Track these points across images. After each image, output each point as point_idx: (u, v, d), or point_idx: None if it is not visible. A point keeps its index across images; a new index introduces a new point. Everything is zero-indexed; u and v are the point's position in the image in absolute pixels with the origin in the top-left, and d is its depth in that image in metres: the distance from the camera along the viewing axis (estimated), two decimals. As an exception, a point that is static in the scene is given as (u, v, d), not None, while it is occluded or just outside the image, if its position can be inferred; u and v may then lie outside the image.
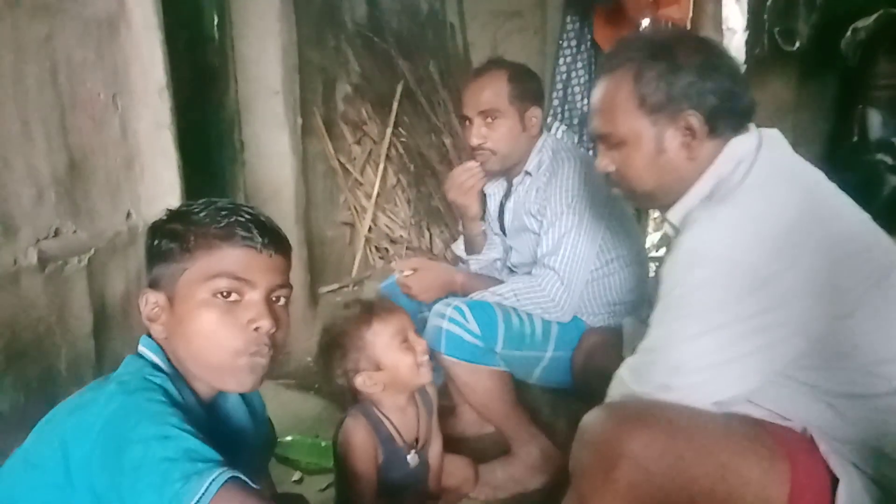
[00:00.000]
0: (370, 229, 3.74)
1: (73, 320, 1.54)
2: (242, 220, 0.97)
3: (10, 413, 1.33)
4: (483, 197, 2.07)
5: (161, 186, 1.87)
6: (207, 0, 2.79)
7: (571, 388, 1.85)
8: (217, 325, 0.93)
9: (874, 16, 3.11)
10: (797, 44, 3.20)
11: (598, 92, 1.21)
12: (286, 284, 1.01)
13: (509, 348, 1.69)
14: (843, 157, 3.32)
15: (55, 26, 1.51)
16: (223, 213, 0.97)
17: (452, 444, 1.79)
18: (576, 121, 2.88)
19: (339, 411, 2.24)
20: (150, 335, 0.99)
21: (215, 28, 2.83)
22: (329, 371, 1.50)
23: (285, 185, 3.06)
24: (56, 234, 1.49)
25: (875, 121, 3.25)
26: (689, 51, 1.14)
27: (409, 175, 3.76)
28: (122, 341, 1.74)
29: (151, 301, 0.97)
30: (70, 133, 1.55)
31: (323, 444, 2.03)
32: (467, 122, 1.86)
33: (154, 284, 0.98)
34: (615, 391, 1.15)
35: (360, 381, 1.45)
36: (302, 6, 3.14)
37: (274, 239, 0.99)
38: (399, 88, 3.61)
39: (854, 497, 1.02)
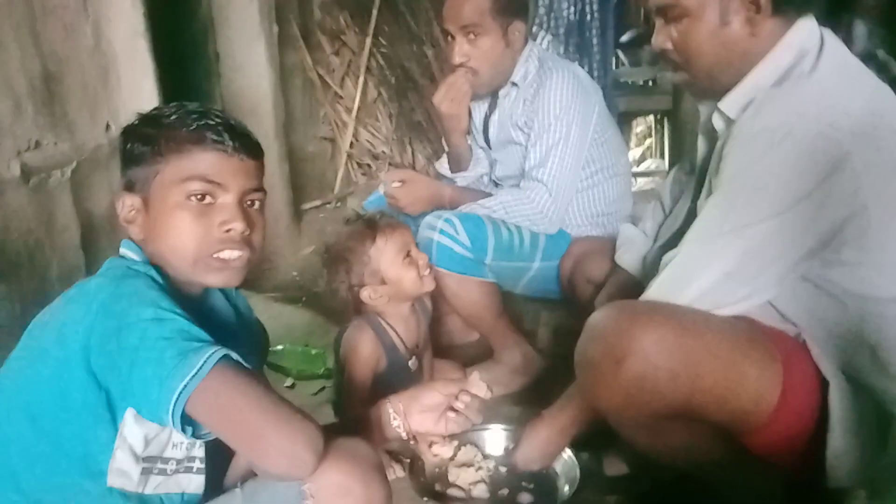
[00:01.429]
0: (351, 144, 3.70)
1: (61, 232, 1.54)
2: (212, 123, 0.97)
3: (7, 322, 1.35)
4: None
5: (138, 97, 1.82)
6: None
7: (556, 296, 1.91)
8: (191, 227, 0.95)
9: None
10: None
11: None
12: (259, 188, 1.02)
13: (498, 259, 1.72)
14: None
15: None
16: (193, 116, 0.97)
17: (440, 351, 1.86)
18: (562, 30, 2.82)
19: (327, 322, 2.32)
20: (130, 238, 1.00)
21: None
22: (334, 285, 1.53)
23: (263, 98, 2.98)
24: (37, 145, 1.46)
25: (860, 31, 3.23)
26: None
27: (390, 88, 3.68)
28: (111, 252, 1.73)
29: (127, 204, 0.99)
30: (43, 42, 1.49)
31: (313, 352, 2.10)
32: (449, 38, 1.81)
33: (129, 187, 0.99)
34: (663, 280, 1.16)
35: (366, 295, 1.50)
36: None
37: (245, 143, 0.99)
38: (378, -4, 3.47)
39: (843, 399, 1.09)
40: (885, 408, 1.11)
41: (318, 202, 3.55)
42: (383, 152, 3.74)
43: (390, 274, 1.51)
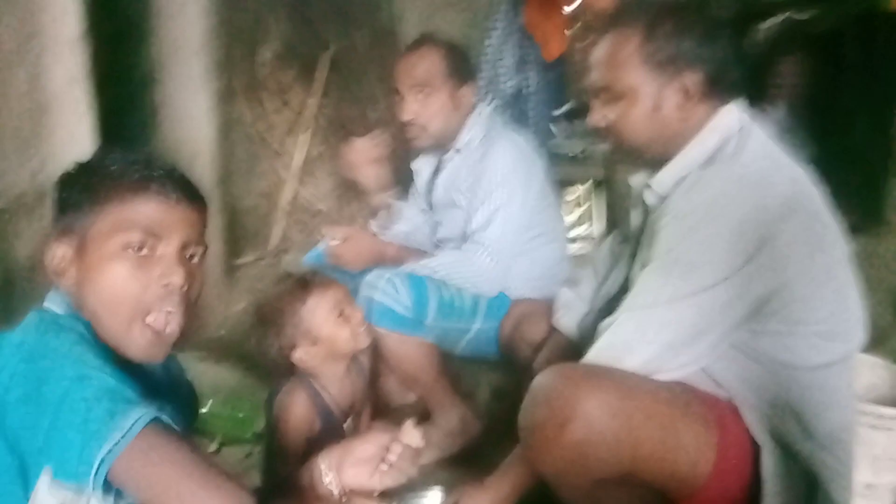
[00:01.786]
0: (290, 201, 3.66)
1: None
2: (156, 172, 0.95)
3: None
4: (409, 172, 2.09)
5: (72, 144, 1.76)
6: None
7: (496, 358, 1.92)
8: (126, 280, 0.90)
9: (780, 18, 3.34)
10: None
11: (602, 46, 1.26)
12: (201, 241, 0.99)
13: (439, 320, 1.73)
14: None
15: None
16: (136, 164, 0.95)
17: (376, 412, 1.82)
18: (502, 103, 2.93)
19: (256, 383, 2.23)
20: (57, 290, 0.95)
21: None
22: (263, 346, 1.48)
23: (203, 150, 2.93)
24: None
25: (776, 116, 3.51)
26: (697, 16, 1.22)
27: (331, 147, 3.70)
28: (28, 305, 1.63)
29: (58, 254, 0.94)
30: (-28, 81, 1.43)
31: (241, 415, 2.01)
32: (398, 96, 1.86)
33: (61, 236, 0.94)
34: (602, 345, 1.19)
35: (298, 356, 1.45)
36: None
37: (189, 192, 0.97)
38: (325, 57, 3.53)
39: (774, 463, 1.13)
40: (812, 471, 1.16)
41: (251, 257, 3.47)
42: (322, 210, 3.72)
43: (323, 333, 1.46)
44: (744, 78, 1.27)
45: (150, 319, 0.92)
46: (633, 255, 1.36)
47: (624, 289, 1.31)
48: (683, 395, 1.15)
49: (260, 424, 1.98)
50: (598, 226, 4.27)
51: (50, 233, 0.97)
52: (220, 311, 2.96)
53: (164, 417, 0.80)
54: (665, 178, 1.24)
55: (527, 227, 1.83)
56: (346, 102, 3.61)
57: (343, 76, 3.58)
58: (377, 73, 3.61)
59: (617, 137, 1.27)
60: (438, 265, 1.77)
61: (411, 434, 1.08)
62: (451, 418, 1.82)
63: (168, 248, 0.93)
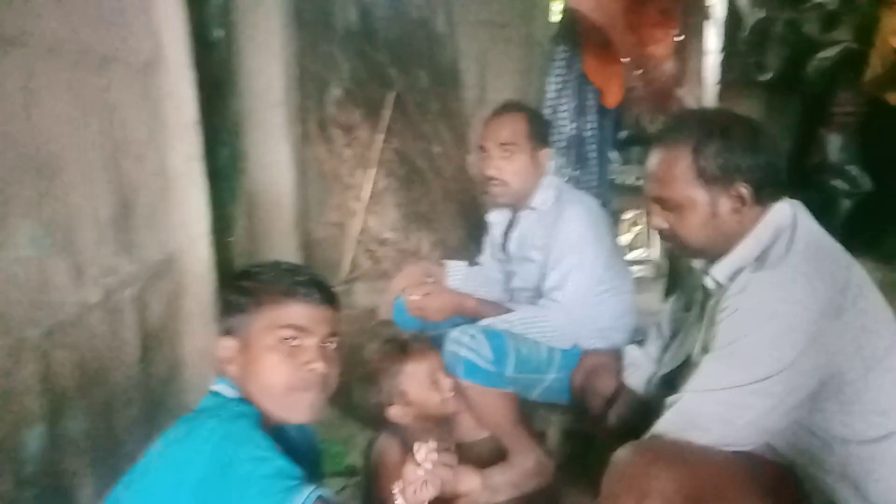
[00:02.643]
0: (360, 231, 3.89)
1: (126, 346, 1.68)
2: (302, 279, 1.18)
3: (80, 436, 1.47)
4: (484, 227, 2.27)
5: (191, 213, 2.00)
6: (213, 13, 2.86)
7: (567, 402, 2.08)
8: (280, 366, 1.13)
9: (838, 48, 3.39)
10: (769, 74, 3.48)
11: (655, 161, 1.40)
12: (336, 332, 1.21)
13: (518, 372, 1.90)
14: (803, 178, 3.63)
15: (112, 77, 1.62)
16: (287, 273, 1.19)
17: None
18: (563, 144, 3.08)
19: (344, 417, 2.43)
20: (223, 376, 1.18)
21: (221, 41, 2.91)
22: (364, 399, 1.70)
23: (285, 194, 3.17)
24: (114, 270, 1.62)
25: (834, 145, 3.56)
26: (741, 130, 1.34)
27: (398, 179, 3.90)
28: (162, 362, 1.88)
29: (226, 346, 1.17)
30: (121, 174, 1.67)
31: (335, 449, 2.21)
32: (484, 153, 2.04)
33: (229, 332, 1.17)
34: (669, 420, 1.34)
35: (393, 413, 1.66)
36: (298, 14, 3.24)
37: (328, 296, 1.21)
38: (390, 96, 3.73)
39: None
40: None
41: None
42: (389, 238, 3.93)
43: (416, 397, 1.69)
44: (787, 177, 1.38)
45: (298, 396, 1.13)
46: (697, 328, 1.50)
47: (686, 363, 1.46)
48: (745, 467, 1.29)
49: (352, 458, 2.19)
50: (654, 249, 4.37)
51: (218, 330, 1.19)
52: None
53: (327, 493, 1.00)
54: (723, 270, 1.37)
55: (597, 282, 1.99)
56: (410, 138, 3.81)
57: (407, 113, 3.77)
58: (439, 108, 3.81)
59: (676, 240, 1.41)
60: (516, 321, 1.94)
61: (422, 452, 1.27)
62: (527, 460, 1.98)
63: (312, 341, 1.16)
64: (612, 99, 3.01)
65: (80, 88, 1.49)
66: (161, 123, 1.89)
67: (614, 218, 3.60)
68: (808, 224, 1.35)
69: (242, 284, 1.19)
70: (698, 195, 1.34)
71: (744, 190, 1.32)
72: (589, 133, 3.09)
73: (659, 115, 3.54)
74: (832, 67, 3.44)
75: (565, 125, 3.07)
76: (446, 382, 1.69)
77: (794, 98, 3.67)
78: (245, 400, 1.15)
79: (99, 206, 1.57)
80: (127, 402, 1.67)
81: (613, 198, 3.65)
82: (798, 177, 3.68)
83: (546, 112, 3.12)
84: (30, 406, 1.29)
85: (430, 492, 1.27)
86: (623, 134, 3.81)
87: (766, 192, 1.34)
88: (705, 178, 1.32)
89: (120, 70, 1.66)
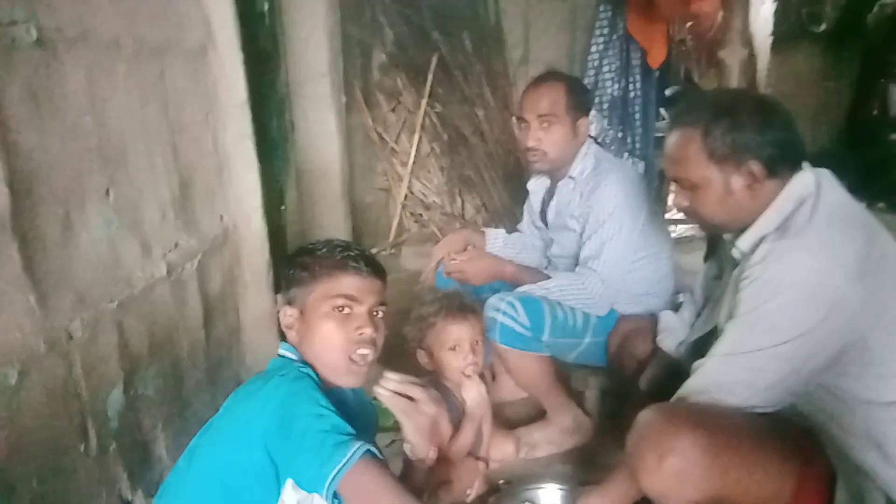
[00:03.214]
0: (406, 196, 3.98)
1: (189, 315, 1.83)
2: (353, 254, 1.31)
3: (153, 396, 1.64)
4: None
5: (245, 189, 2.13)
6: (259, -14, 2.94)
7: (603, 364, 2.15)
8: (334, 331, 1.26)
9: (897, -3, 3.22)
10: (823, 25, 3.33)
11: (670, 143, 1.45)
12: (383, 302, 1.34)
13: (554, 337, 1.97)
14: (862, 132, 3.51)
15: (166, 63, 1.73)
16: (338, 249, 1.32)
17: (493, 408, 2.10)
18: (605, 106, 3.06)
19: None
20: (285, 340, 1.33)
21: (266, 13, 2.99)
22: (410, 343, 1.86)
23: (332, 162, 3.29)
24: (176, 246, 1.76)
25: (895, 96, 3.41)
26: (749, 110, 1.37)
27: (442, 144, 3.96)
28: (223, 328, 2.04)
29: (288, 314, 1.31)
30: (180, 156, 1.79)
31: (383, 406, 2.35)
32: (523, 124, 2.08)
33: (290, 302, 1.32)
34: (694, 383, 1.40)
35: (419, 356, 1.82)
36: (342, -19, 3.28)
37: (375, 269, 1.33)
38: (434, 59, 3.75)
39: (848, 490, 1.31)
40: (892, 496, 1.33)
41: (374, 250, 3.84)
42: (434, 202, 4.02)
43: (437, 353, 1.80)
44: (804, 148, 1.39)
45: (353, 356, 1.26)
46: (724, 296, 1.54)
47: (714, 330, 1.51)
48: (769, 430, 1.34)
49: (399, 415, 2.33)
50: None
51: (281, 301, 1.32)
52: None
53: (374, 450, 1.12)
54: (746, 240, 1.41)
55: (634, 251, 2.02)
56: (454, 101, 3.84)
57: (450, 76, 3.80)
58: (482, 70, 3.81)
59: (697, 217, 1.45)
60: (553, 287, 2.01)
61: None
62: (566, 418, 2.08)
63: (362, 309, 1.28)
64: (657, 58, 2.96)
65: (139, 79, 1.60)
66: (214, 105, 2.01)
67: (661, 177, 3.57)
68: (832, 193, 1.36)
69: (300, 260, 1.32)
70: (711, 174, 1.37)
71: (755, 167, 1.35)
72: (633, 93, 3.06)
73: (709, 69, 3.47)
74: (894, 16, 3.27)
75: (609, 85, 3.05)
76: (472, 356, 1.77)
77: (853, 50, 3.51)
78: (305, 363, 1.28)
79: (161, 188, 1.70)
80: (192, 364, 1.84)
81: (659, 157, 3.61)
82: (857, 131, 3.56)
83: (589, 72, 3.09)
84: (109, 371, 1.46)
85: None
86: (671, 90, 3.75)
87: (781, 167, 1.36)
88: (716, 158, 1.36)
89: (174, 58, 1.77)
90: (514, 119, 2.15)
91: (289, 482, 1.15)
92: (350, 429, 1.13)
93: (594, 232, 1.98)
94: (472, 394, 1.78)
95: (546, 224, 2.25)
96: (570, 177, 2.11)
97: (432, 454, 1.37)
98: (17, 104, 1.19)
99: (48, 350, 1.25)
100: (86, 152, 1.40)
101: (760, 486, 1.31)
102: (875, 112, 3.53)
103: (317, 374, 1.26)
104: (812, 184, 1.37)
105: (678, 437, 1.29)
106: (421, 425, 1.34)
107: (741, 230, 1.43)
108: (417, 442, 1.35)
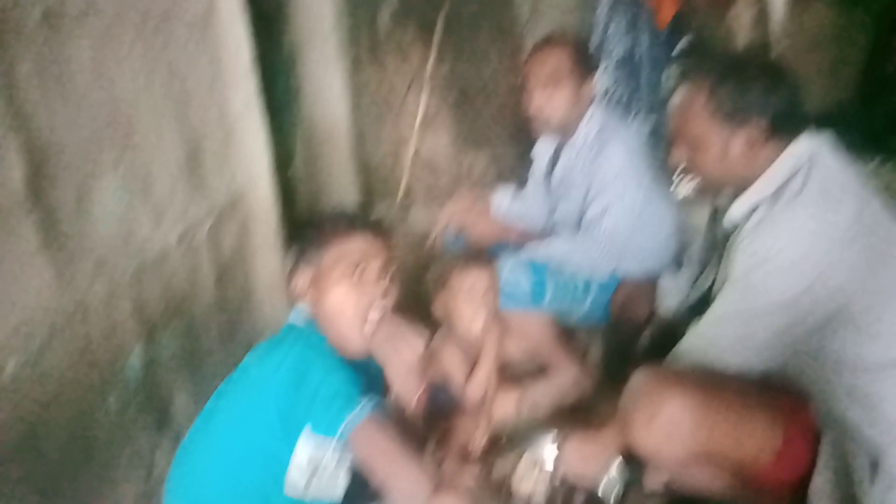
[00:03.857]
0: (413, 155, 3.98)
1: (203, 280, 1.89)
2: (361, 218, 1.39)
3: (170, 357, 1.72)
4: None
5: (253, 153, 2.16)
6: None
7: (605, 325, 2.20)
8: (346, 295, 1.32)
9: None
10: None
11: (677, 97, 1.46)
12: (392, 262, 1.39)
13: (556, 300, 2.03)
14: (877, 89, 3.45)
15: (171, 33, 1.74)
16: (345, 216, 1.39)
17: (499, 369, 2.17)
18: (613, 64, 3.03)
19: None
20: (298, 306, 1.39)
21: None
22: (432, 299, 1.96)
23: (340, 123, 3.28)
24: (187, 212, 1.81)
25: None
26: (757, 70, 1.38)
27: (450, 103, 3.93)
28: (235, 291, 2.10)
29: (301, 279, 1.36)
30: (188, 124, 1.82)
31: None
32: (527, 88, 2.08)
33: (301, 269, 1.37)
34: (687, 345, 1.47)
35: (434, 306, 1.91)
36: (346, -66, 3.22)
37: (380, 230, 1.39)
38: (441, 17, 3.70)
39: (832, 448, 1.37)
40: (875, 455, 1.38)
41: (382, 210, 3.86)
42: (442, 162, 4.02)
43: (451, 301, 1.89)
44: (806, 114, 1.40)
45: (366, 324, 1.31)
46: (720, 261, 1.57)
47: (707, 295, 1.56)
48: (756, 392, 1.40)
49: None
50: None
51: (292, 266, 1.37)
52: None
53: (381, 407, 1.18)
54: (740, 206, 1.44)
55: (637, 215, 2.05)
56: (461, 59, 3.80)
57: (457, 33, 3.74)
58: (490, 26, 3.76)
59: (695, 174, 1.47)
60: (555, 252, 2.05)
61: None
62: (566, 375, 2.15)
63: (371, 272, 1.33)
64: (666, 15, 2.92)
65: (144, 50, 1.62)
66: (220, 70, 2.02)
67: (670, 137, 3.54)
68: (828, 160, 1.38)
69: (312, 227, 1.39)
70: (712, 132, 1.39)
71: (756, 129, 1.36)
72: (641, 51, 3.02)
73: (719, 27, 3.40)
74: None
75: (616, 43, 3.01)
76: (482, 301, 1.85)
77: (868, 4, 3.42)
78: (316, 329, 1.34)
79: (170, 157, 1.74)
80: (207, 327, 1.91)
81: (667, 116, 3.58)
82: (872, 88, 3.50)
83: (597, 30, 3.04)
84: (128, 335, 1.52)
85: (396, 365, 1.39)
86: (681, 45, 3.68)
87: (783, 131, 1.37)
88: (719, 116, 1.37)
89: (178, 26, 1.78)
90: (519, 81, 2.14)
91: (301, 438, 1.22)
92: (359, 389, 1.20)
93: (597, 196, 2.01)
94: (485, 328, 1.88)
95: (550, 188, 2.28)
96: (575, 141, 2.12)
97: (418, 401, 1.42)
98: (28, 80, 1.22)
99: (68, 318, 1.31)
100: (96, 124, 1.43)
101: (746, 444, 1.37)
102: (891, 68, 3.47)
103: (326, 340, 1.32)
104: (809, 151, 1.38)
105: (668, 397, 1.35)
106: (408, 360, 1.37)
107: (734, 194, 1.45)
108: (404, 382, 1.39)
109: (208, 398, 1.41)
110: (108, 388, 1.44)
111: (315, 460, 1.23)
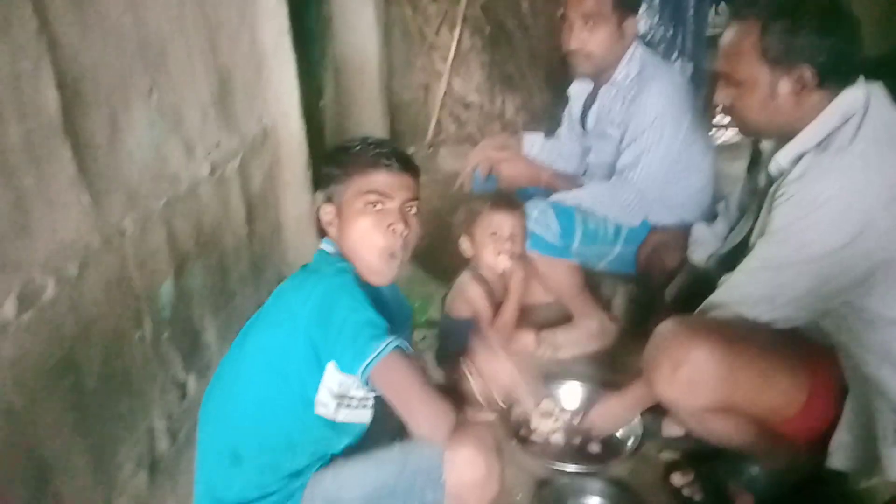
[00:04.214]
0: (445, 93, 3.91)
1: (233, 212, 1.92)
2: (385, 151, 1.33)
3: (201, 288, 1.76)
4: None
5: (284, 87, 2.14)
6: None
7: (632, 274, 2.18)
8: (368, 226, 1.30)
9: None
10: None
11: (726, 36, 1.39)
12: (416, 198, 1.36)
13: (584, 246, 2.00)
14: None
15: (200, -38, 1.70)
16: (371, 146, 1.34)
17: (522, 311, 2.18)
18: (657, 1, 2.89)
19: (426, 276, 2.65)
20: (325, 236, 1.39)
21: None
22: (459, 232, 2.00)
23: (370, 56, 3.23)
24: (218, 145, 1.81)
25: None
26: (812, 11, 1.30)
27: (484, 38, 3.83)
28: (265, 224, 2.13)
29: (327, 211, 1.36)
30: (218, 57, 1.80)
31: (416, 304, 2.46)
32: (566, 23, 2.00)
33: (328, 199, 1.36)
34: (719, 296, 1.44)
35: (461, 243, 1.95)
36: None
37: (407, 165, 1.35)
38: (477, -53, 3.56)
39: (855, 403, 1.36)
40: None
41: (411, 149, 3.83)
42: (474, 101, 3.94)
43: (477, 238, 1.92)
44: (862, 61, 1.32)
45: (386, 251, 1.31)
46: (758, 214, 1.53)
47: (744, 244, 1.52)
48: (784, 344, 1.38)
49: (431, 312, 2.44)
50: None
51: (319, 198, 1.38)
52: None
53: (405, 345, 1.20)
54: (787, 154, 1.38)
55: (672, 162, 1.99)
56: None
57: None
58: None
59: (736, 118, 1.41)
60: (587, 196, 2.01)
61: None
62: (592, 323, 2.15)
63: (394, 204, 1.31)
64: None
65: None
66: (251, 2, 1.98)
67: (710, 80, 3.41)
68: (881, 111, 1.31)
69: (336, 158, 1.36)
70: (760, 74, 1.32)
71: (807, 74, 1.29)
72: (687, -11, 2.88)
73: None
74: None
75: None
76: (508, 242, 1.86)
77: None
78: (344, 258, 1.35)
79: (201, 88, 1.73)
80: (237, 259, 1.94)
81: (710, 58, 3.44)
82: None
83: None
84: (160, 265, 1.56)
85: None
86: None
87: (833, 78, 1.30)
88: (768, 57, 1.31)
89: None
90: (559, 15, 2.06)
91: (330, 365, 1.24)
92: (385, 323, 1.21)
93: (633, 141, 1.95)
94: (511, 270, 1.92)
95: (585, 130, 2.22)
96: (613, 81, 2.05)
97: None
98: (62, 9, 1.21)
99: (103, 246, 1.34)
100: (128, 54, 1.42)
101: (770, 398, 1.37)
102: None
103: (355, 270, 1.33)
104: (861, 100, 1.31)
105: (692, 348, 1.34)
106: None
107: (780, 141, 1.40)
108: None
109: (238, 329, 1.44)
110: (142, 315, 1.48)
111: (342, 391, 1.26)
